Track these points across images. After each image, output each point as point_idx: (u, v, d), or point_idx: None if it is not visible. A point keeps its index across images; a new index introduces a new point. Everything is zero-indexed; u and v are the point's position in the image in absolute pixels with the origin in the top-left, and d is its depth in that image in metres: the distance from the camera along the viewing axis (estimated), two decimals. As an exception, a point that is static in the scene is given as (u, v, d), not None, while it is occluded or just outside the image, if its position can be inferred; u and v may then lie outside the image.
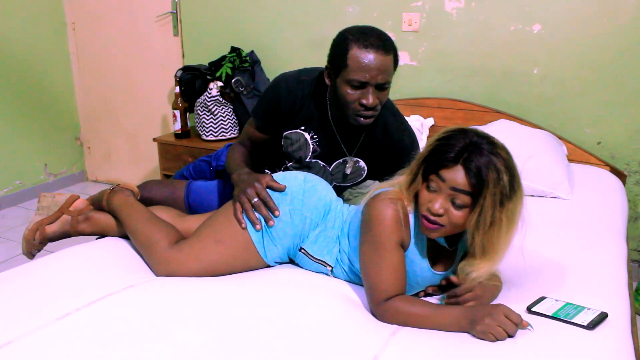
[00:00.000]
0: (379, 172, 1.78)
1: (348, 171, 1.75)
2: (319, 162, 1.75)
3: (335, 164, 1.75)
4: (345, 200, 1.96)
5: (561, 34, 2.39)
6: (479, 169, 1.14)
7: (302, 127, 1.71)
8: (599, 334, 1.13)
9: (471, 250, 1.24)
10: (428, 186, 1.22)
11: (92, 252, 1.51)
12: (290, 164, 1.78)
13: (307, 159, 1.74)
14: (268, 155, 1.83)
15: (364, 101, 1.52)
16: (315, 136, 1.72)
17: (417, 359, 1.08)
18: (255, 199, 1.47)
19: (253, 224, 1.45)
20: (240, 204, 1.48)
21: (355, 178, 1.80)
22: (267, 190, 1.50)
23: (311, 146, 1.73)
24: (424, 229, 1.24)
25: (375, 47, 1.49)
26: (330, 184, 1.75)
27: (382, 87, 1.53)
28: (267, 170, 1.84)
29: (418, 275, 1.34)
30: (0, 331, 1.12)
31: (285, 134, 1.73)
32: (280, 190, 1.49)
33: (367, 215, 1.30)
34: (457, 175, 1.16)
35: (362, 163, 1.76)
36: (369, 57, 1.48)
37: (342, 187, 1.83)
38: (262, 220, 1.46)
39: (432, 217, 1.20)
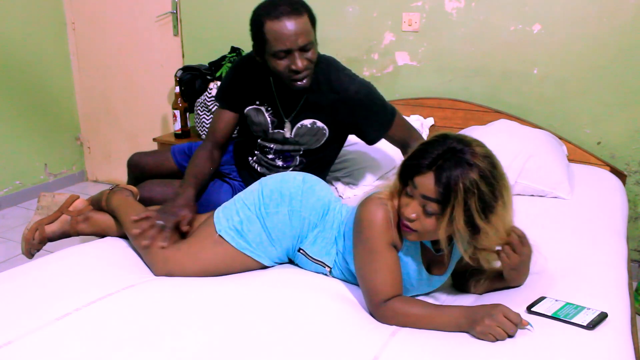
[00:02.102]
0: (343, 129, 1.84)
1: (287, 134, 1.81)
2: (280, 131, 1.82)
3: (294, 129, 1.80)
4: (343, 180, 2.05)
5: (561, 34, 2.39)
6: (449, 178, 1.13)
7: (257, 102, 1.81)
8: (599, 334, 1.13)
9: (465, 257, 1.25)
10: (406, 190, 1.22)
11: (92, 252, 1.51)
12: (260, 140, 1.87)
13: (270, 131, 1.83)
14: (243, 142, 1.93)
15: (294, 67, 1.60)
16: (269, 108, 1.80)
17: (417, 359, 1.08)
18: (160, 222, 1.50)
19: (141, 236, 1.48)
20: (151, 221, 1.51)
21: (320, 138, 1.82)
22: None
23: (268, 119, 1.81)
24: (402, 231, 1.26)
25: (287, 14, 1.56)
26: (300, 152, 1.83)
27: (305, 48, 1.60)
28: (250, 159, 1.92)
29: (412, 277, 1.33)
30: (0, 331, 1.12)
31: (245, 112, 1.83)
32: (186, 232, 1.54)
33: (359, 217, 1.30)
34: (427, 183, 1.16)
35: (319, 123, 1.79)
36: (283, 25, 1.56)
37: (312, 152, 1.86)
38: (264, 220, 1.46)
39: (405, 222, 1.22)
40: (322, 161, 1.91)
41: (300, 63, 1.59)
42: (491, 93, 2.57)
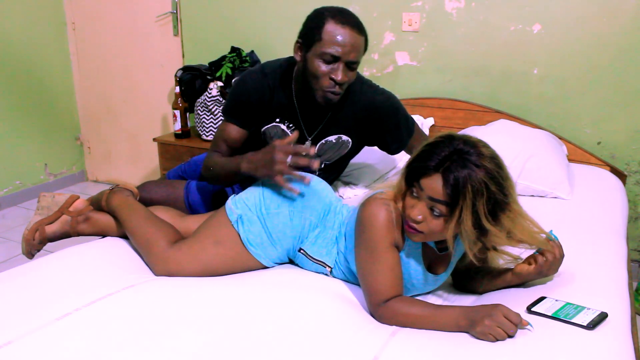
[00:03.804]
0: (367, 141, 1.83)
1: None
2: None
3: (318, 145, 1.78)
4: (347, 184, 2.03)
5: (561, 34, 2.39)
6: (457, 180, 1.13)
7: (277, 120, 1.74)
8: (599, 334, 1.13)
9: (468, 258, 1.25)
10: (412, 192, 1.22)
11: (92, 252, 1.51)
12: None
13: None
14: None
15: (334, 76, 1.55)
16: (290, 125, 1.75)
17: (417, 359, 1.08)
18: (288, 160, 1.41)
19: (303, 180, 1.42)
20: (281, 174, 1.41)
21: (342, 151, 1.81)
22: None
23: (290, 135, 1.74)
24: (406, 232, 1.25)
25: (351, 25, 1.53)
26: (321, 165, 1.80)
27: (352, 66, 1.56)
28: None
29: (413, 276, 1.33)
30: (0, 331, 1.12)
31: (262, 130, 1.76)
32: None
33: (361, 217, 1.29)
34: (435, 185, 1.15)
35: (344, 137, 1.78)
36: (344, 32, 1.52)
37: (331, 165, 1.83)
38: (264, 220, 1.46)
39: (410, 223, 1.21)
40: (335, 173, 1.90)
41: (341, 75, 1.54)
42: (491, 93, 2.57)
